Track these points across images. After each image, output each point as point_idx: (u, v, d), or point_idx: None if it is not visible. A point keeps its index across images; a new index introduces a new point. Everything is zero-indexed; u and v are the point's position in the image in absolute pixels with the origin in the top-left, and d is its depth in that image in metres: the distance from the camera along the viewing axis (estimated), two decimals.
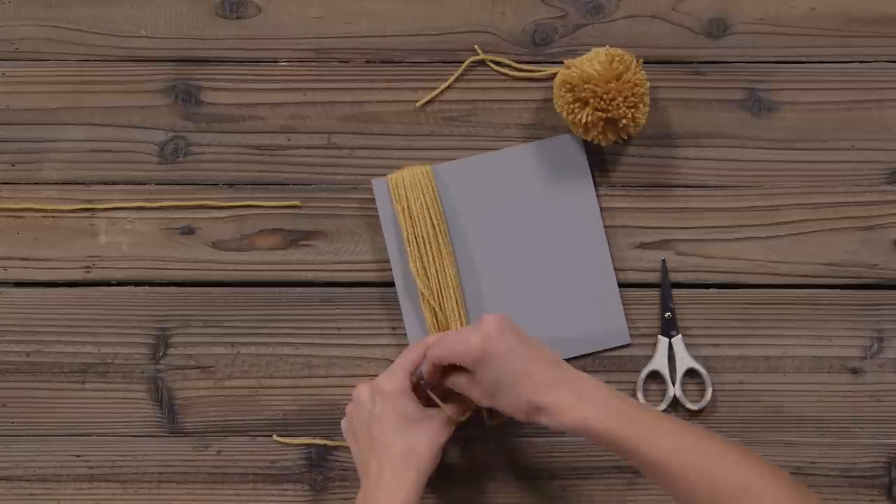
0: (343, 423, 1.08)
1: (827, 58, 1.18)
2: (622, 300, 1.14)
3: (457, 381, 1.03)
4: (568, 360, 1.10)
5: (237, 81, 1.18)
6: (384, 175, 1.15)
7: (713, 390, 1.13)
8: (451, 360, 1.02)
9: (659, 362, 1.13)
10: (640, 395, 1.13)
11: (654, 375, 1.14)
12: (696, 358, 1.13)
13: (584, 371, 1.00)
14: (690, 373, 1.13)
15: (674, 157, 1.17)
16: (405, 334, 1.14)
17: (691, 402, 1.13)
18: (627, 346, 1.14)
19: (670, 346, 1.13)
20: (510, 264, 1.14)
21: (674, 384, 1.13)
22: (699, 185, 1.16)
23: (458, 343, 1.01)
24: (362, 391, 1.05)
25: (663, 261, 1.15)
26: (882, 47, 1.18)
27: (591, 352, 1.13)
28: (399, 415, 1.02)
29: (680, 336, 1.13)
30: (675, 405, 1.13)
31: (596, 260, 1.14)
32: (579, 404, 0.95)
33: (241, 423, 1.15)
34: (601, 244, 1.14)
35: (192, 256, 1.16)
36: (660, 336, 1.14)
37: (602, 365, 1.14)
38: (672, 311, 1.13)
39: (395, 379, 1.04)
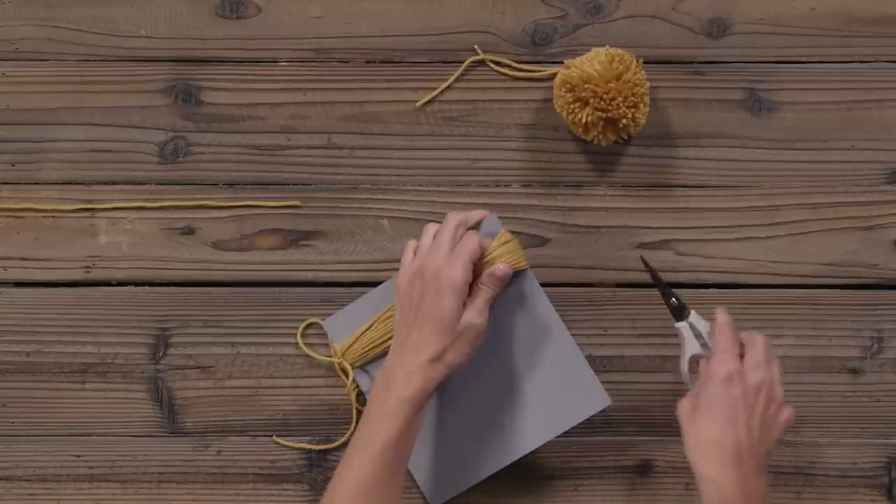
0: (405, 274, 1.06)
1: (827, 58, 1.18)
2: (622, 300, 1.14)
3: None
4: (557, 438, 1.10)
5: (237, 81, 1.18)
6: (384, 175, 1.16)
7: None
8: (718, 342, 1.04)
9: (693, 347, 1.08)
10: (690, 385, 1.07)
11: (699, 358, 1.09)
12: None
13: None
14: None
15: (674, 157, 1.17)
16: None
17: None
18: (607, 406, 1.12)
19: (692, 327, 1.08)
20: (473, 369, 1.10)
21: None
22: (699, 185, 1.16)
23: (720, 350, 1.02)
24: (457, 273, 1.02)
25: (641, 257, 1.12)
26: (882, 47, 1.18)
27: (576, 424, 1.10)
28: (456, 317, 1.02)
29: (693, 312, 1.08)
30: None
31: (555, 339, 1.11)
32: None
33: (241, 423, 1.15)
34: (556, 324, 1.11)
35: (192, 256, 1.16)
36: (677, 324, 1.08)
37: (611, 366, 1.14)
38: (676, 295, 1.09)
39: (466, 273, 1.03)
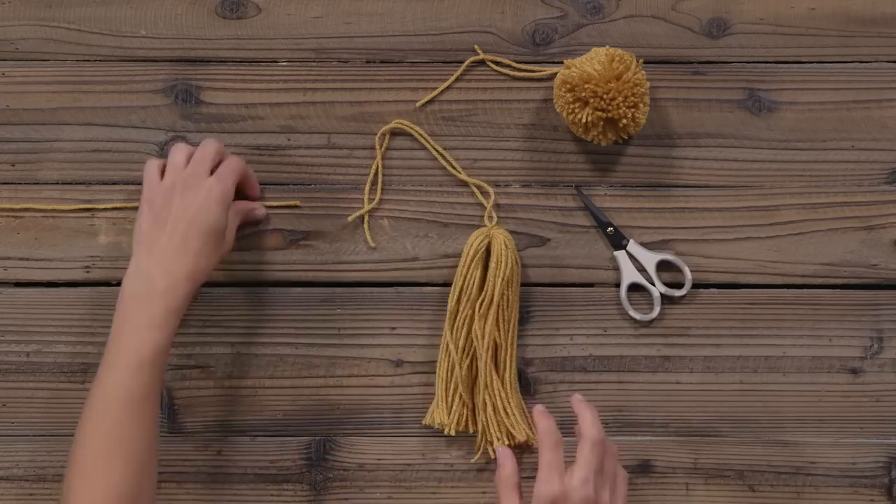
0: (159, 189, 1.08)
1: (827, 58, 1.18)
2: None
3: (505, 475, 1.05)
4: None
5: (237, 81, 1.18)
6: (384, 175, 1.16)
7: (692, 278, 1.14)
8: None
9: (630, 275, 1.14)
10: (631, 312, 1.13)
11: (634, 288, 1.14)
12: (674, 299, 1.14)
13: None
14: (661, 266, 1.14)
15: (674, 157, 1.17)
16: (406, 334, 1.14)
17: (676, 290, 1.14)
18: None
19: (630, 256, 1.14)
20: None
21: (654, 285, 1.13)
22: (699, 185, 1.16)
23: (542, 470, 1.00)
24: (226, 186, 1.08)
25: (578, 187, 1.15)
26: (882, 47, 1.18)
27: None
28: (222, 226, 1.07)
29: (631, 240, 1.14)
30: (663, 301, 1.14)
31: None
32: None
33: (241, 423, 1.15)
34: None
35: None
36: (615, 253, 1.14)
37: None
38: (612, 224, 1.14)
39: (232, 187, 1.09)
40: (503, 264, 1.11)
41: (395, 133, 1.17)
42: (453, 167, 1.16)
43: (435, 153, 1.16)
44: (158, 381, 1.02)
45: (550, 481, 0.99)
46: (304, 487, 1.14)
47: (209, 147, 1.10)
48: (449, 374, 1.11)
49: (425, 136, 1.16)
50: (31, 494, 1.14)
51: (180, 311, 1.04)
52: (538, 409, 1.04)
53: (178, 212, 1.05)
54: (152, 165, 1.10)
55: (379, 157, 1.16)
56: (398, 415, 1.15)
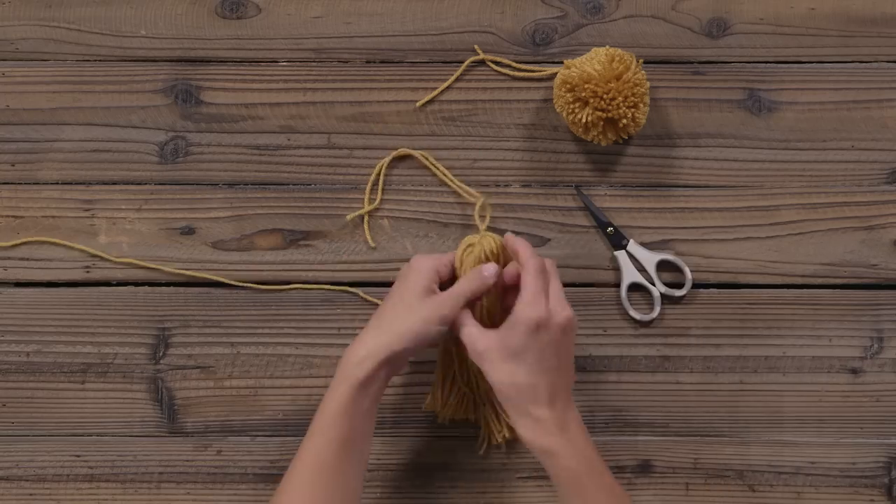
0: None
1: (827, 58, 1.18)
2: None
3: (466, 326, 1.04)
4: None
5: (237, 81, 1.18)
6: (384, 175, 1.16)
7: (691, 274, 1.14)
8: (511, 281, 1.05)
9: (630, 275, 1.14)
10: (631, 312, 1.14)
11: (634, 288, 1.15)
12: (670, 286, 1.14)
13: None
14: (661, 266, 1.15)
15: (674, 157, 1.17)
16: None
17: (676, 290, 1.14)
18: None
19: (630, 256, 1.14)
20: None
21: (654, 285, 1.14)
22: (699, 185, 1.17)
23: (531, 295, 1.00)
24: (423, 260, 1.05)
25: (578, 187, 1.16)
26: (882, 47, 1.18)
27: None
28: (415, 290, 1.02)
29: (631, 240, 1.14)
30: (663, 301, 1.15)
31: None
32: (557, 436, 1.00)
33: (241, 423, 1.15)
34: None
35: (192, 256, 1.16)
36: (615, 253, 1.15)
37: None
38: (612, 224, 1.15)
39: (433, 262, 1.05)
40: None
41: (392, 133, 1.17)
42: (454, 183, 1.16)
43: (440, 175, 1.16)
44: (339, 451, 0.99)
45: (537, 305, 1.00)
46: None
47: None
48: (448, 365, 1.11)
49: (432, 160, 1.16)
50: (31, 494, 1.14)
51: (366, 385, 1.00)
52: (509, 235, 1.06)
53: (392, 291, 1.05)
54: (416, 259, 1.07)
55: (381, 165, 1.17)
56: (398, 414, 1.15)
